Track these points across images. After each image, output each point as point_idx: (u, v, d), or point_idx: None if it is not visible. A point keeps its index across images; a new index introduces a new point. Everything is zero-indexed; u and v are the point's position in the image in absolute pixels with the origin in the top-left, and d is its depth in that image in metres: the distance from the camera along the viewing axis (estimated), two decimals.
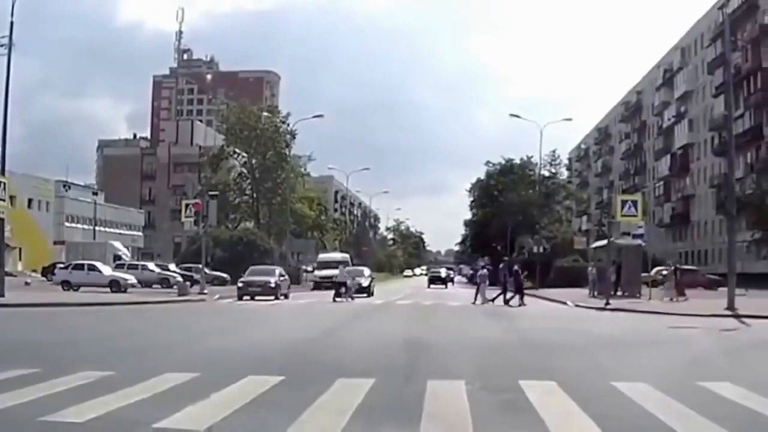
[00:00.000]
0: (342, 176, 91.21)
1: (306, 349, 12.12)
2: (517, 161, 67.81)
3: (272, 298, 30.71)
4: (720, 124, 56.53)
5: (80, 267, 38.30)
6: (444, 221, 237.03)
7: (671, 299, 28.51)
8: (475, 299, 29.15)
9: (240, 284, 31.90)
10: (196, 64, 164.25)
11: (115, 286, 35.42)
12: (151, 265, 45.77)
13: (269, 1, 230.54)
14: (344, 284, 32.42)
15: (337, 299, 30.95)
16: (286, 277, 34.49)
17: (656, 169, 79.43)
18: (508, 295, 28.60)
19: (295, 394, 7.29)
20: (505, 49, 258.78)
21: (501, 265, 31.75)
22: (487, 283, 30.19)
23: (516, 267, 30.29)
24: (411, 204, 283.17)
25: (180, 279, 38.06)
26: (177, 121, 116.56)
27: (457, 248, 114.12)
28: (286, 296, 32.51)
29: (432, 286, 58.55)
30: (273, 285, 31.34)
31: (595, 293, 31.67)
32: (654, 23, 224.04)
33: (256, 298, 30.46)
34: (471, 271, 79.03)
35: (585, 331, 16.39)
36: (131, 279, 37.29)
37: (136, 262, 48.48)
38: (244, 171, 66.50)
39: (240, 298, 30.39)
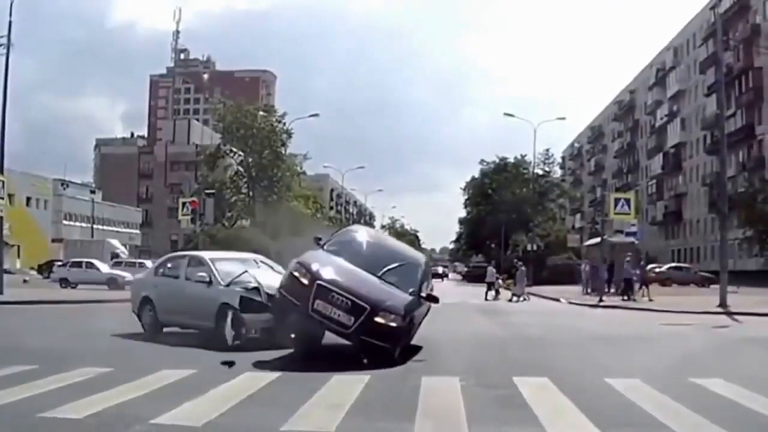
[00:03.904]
0: (337, 175, 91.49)
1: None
2: (511, 160, 67.84)
3: None
4: (712, 123, 56.57)
5: (78, 264, 38.31)
6: (439, 219, 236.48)
7: (512, 299, 28.76)
8: None
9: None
10: (193, 64, 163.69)
11: (113, 283, 35.41)
12: (148, 263, 45.55)
13: (265, 1, 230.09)
14: (492, 284, 32.34)
15: (488, 299, 30.77)
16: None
17: (649, 167, 79.47)
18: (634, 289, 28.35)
19: (292, 390, 7.35)
20: (499, 49, 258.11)
21: (626, 264, 28.83)
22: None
23: (629, 257, 29.22)
24: (406, 202, 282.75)
25: None
26: (174, 120, 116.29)
27: (452, 246, 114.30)
28: None
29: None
30: None
31: (589, 290, 31.81)
32: (647, 23, 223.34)
33: None
34: (465, 268, 79.31)
35: (578, 327, 16.51)
36: (129, 276, 37.18)
37: (134, 260, 48.36)
38: (241, 169, 66.25)
39: None
